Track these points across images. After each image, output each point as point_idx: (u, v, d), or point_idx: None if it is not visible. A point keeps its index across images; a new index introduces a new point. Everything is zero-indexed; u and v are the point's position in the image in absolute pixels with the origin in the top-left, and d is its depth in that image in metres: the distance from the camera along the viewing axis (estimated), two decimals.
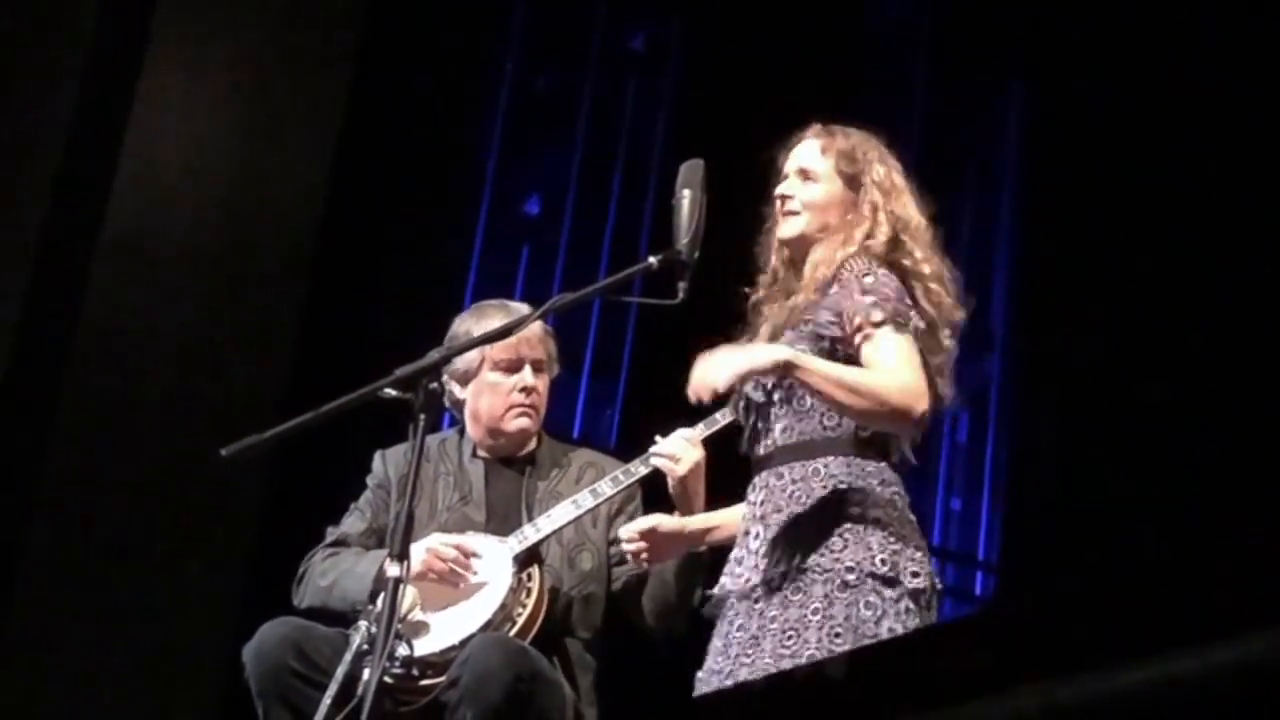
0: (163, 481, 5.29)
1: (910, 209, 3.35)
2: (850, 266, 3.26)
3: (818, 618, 3.11)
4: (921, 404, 3.14)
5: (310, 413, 3.02)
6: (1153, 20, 6.24)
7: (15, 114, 5.40)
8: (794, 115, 3.50)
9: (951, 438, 6.82)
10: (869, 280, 3.22)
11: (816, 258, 3.32)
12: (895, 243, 3.30)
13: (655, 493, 3.88)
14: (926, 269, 3.30)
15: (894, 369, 3.15)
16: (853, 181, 3.35)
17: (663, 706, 4.05)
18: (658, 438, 3.76)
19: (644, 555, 3.54)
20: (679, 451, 3.60)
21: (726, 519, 3.50)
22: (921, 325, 3.23)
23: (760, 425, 3.31)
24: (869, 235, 3.29)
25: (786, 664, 3.07)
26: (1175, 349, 6.03)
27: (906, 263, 3.30)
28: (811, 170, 3.37)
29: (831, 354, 3.21)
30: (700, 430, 3.68)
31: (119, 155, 5.42)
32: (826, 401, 3.18)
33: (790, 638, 3.11)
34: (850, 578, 3.12)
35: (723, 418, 3.62)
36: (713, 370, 3.11)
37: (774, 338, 3.31)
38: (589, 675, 3.80)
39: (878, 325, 3.18)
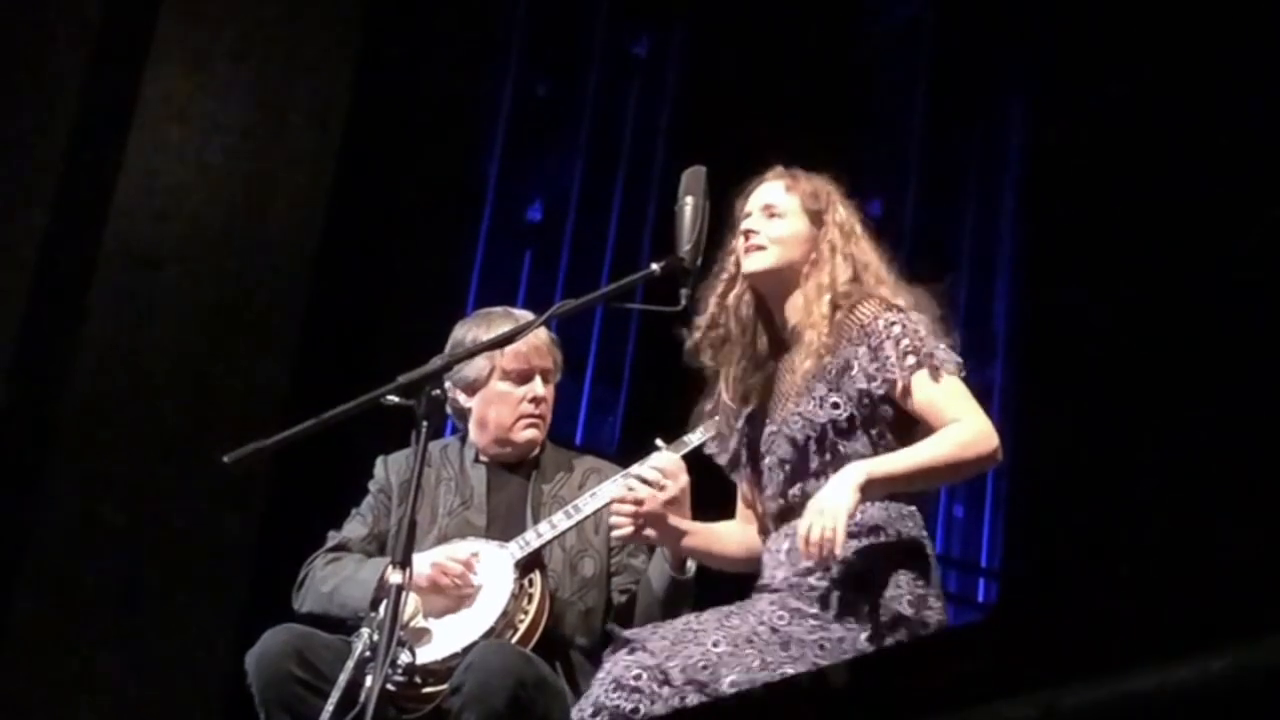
0: (166, 487, 5.29)
1: (869, 253, 3.35)
2: (871, 321, 3.23)
3: (846, 645, 3.10)
4: (996, 439, 3.18)
5: (313, 419, 3.02)
6: (1153, 25, 6.24)
7: (18, 117, 5.40)
8: (796, 121, 3.51)
9: None
10: (896, 330, 3.20)
11: (796, 307, 3.30)
12: (855, 280, 3.29)
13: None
14: (900, 301, 3.28)
15: (960, 416, 3.16)
16: (816, 219, 3.34)
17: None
18: (658, 441, 3.76)
19: (632, 522, 3.45)
20: (666, 474, 3.48)
21: (707, 529, 3.46)
22: (957, 359, 3.22)
23: (788, 474, 3.28)
24: (831, 278, 3.28)
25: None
26: (1179, 355, 6.03)
27: (878, 294, 3.28)
28: (777, 206, 3.35)
29: (873, 410, 3.20)
30: (700, 434, 3.68)
31: (122, 159, 5.42)
32: (921, 487, 3.19)
33: (823, 649, 3.10)
34: (884, 619, 3.11)
35: (698, 436, 3.62)
36: (829, 532, 3.03)
37: (780, 399, 3.30)
38: (591, 681, 3.79)
39: (915, 371, 3.17)
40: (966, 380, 3.22)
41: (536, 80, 6.84)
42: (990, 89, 7.29)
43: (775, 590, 3.19)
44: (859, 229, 3.36)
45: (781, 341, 3.36)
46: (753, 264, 3.33)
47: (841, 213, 3.35)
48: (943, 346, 3.21)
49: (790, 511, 3.26)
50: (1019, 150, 7.20)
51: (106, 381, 5.33)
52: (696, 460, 3.70)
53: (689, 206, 3.23)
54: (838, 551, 3.04)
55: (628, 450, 3.90)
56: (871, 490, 3.10)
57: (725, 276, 3.38)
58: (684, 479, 3.48)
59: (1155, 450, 6.00)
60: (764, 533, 3.37)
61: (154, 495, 5.29)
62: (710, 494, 3.60)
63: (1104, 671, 1.89)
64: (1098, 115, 6.52)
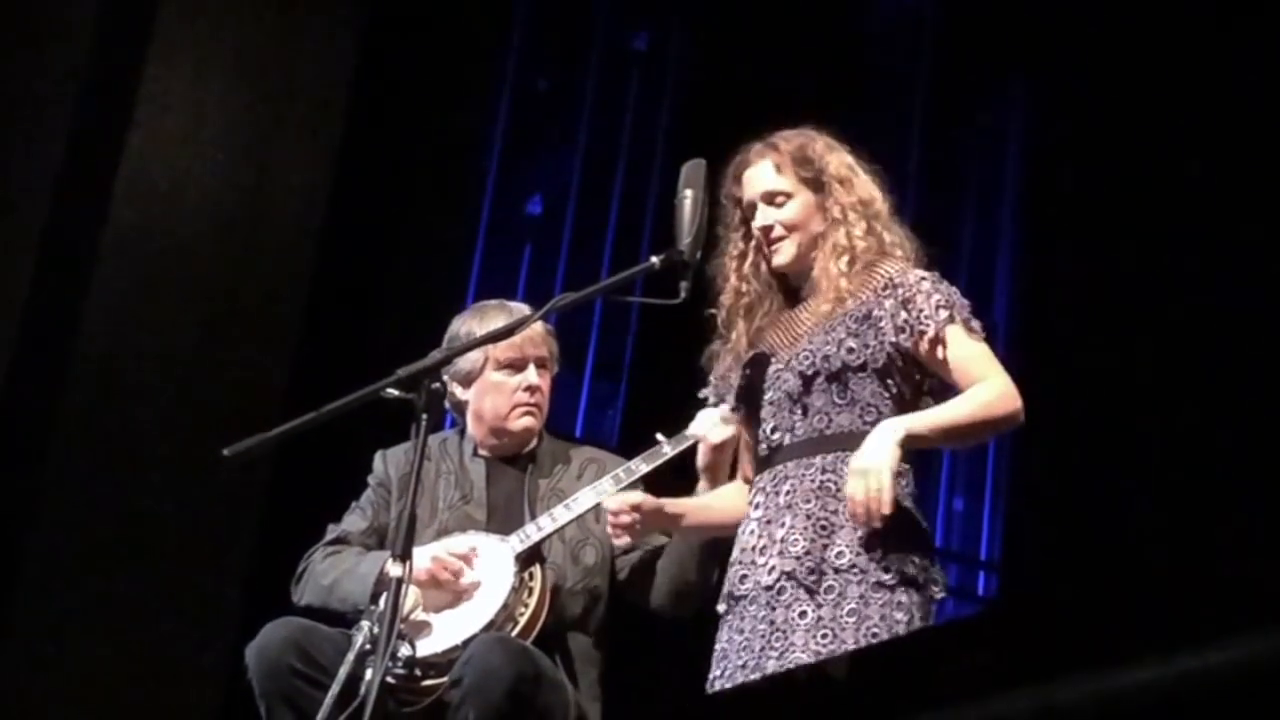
0: (165, 481, 5.29)
1: (869, 188, 3.36)
2: (900, 275, 3.27)
3: (854, 619, 3.10)
4: (1020, 401, 3.20)
5: (312, 413, 3.02)
6: (1155, 17, 6.23)
7: (16, 114, 5.40)
8: (796, 113, 3.50)
9: None
10: (927, 285, 3.24)
11: (818, 267, 3.32)
12: (870, 232, 3.31)
13: (659, 492, 3.87)
14: (899, 252, 3.32)
15: (987, 375, 3.19)
16: (815, 184, 3.34)
17: (666, 703, 4.05)
18: (659, 435, 3.77)
19: (628, 529, 3.46)
20: (711, 424, 3.57)
21: (701, 504, 3.48)
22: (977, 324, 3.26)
23: (788, 415, 3.29)
24: (849, 238, 3.29)
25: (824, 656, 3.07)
26: (1177, 350, 6.03)
27: (891, 249, 3.32)
28: (776, 191, 3.35)
29: (891, 362, 3.22)
30: (678, 443, 3.70)
31: (120, 156, 5.42)
32: (952, 444, 3.22)
33: (825, 636, 3.10)
34: (886, 578, 3.11)
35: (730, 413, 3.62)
36: (875, 492, 3.07)
37: (790, 340, 3.31)
38: (593, 670, 3.79)
39: (949, 324, 3.21)
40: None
41: (536, 74, 6.83)
42: (990, 82, 7.28)
43: (769, 589, 3.20)
44: (853, 164, 3.37)
45: (795, 291, 3.38)
46: (782, 258, 3.35)
47: (831, 162, 3.35)
48: (969, 305, 3.25)
49: (779, 452, 3.27)
50: (1019, 144, 7.19)
51: (106, 376, 5.33)
52: (692, 460, 3.70)
53: (688, 200, 3.23)
54: (885, 509, 3.05)
55: (628, 444, 3.90)
56: (908, 446, 3.13)
57: (736, 252, 3.39)
58: (730, 428, 3.51)
59: (1155, 444, 6.00)
60: (747, 481, 3.40)
61: (154, 488, 5.29)
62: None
63: (1103, 665, 1.89)
64: (1099, 109, 6.52)
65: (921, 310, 3.21)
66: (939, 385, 3.27)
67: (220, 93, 5.65)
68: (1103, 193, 6.43)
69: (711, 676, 3.27)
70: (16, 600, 5.17)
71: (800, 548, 3.16)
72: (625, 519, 3.41)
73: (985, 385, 3.18)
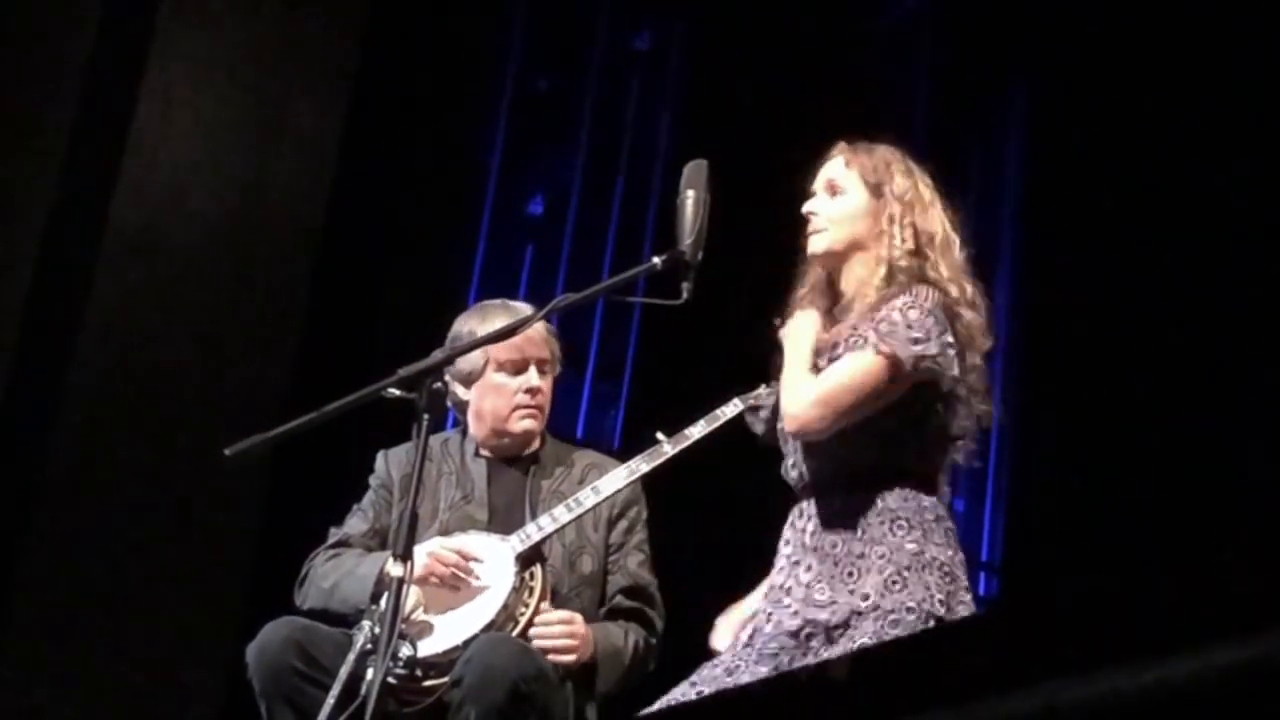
0: (166, 481, 5.30)
1: (935, 222, 3.31)
2: (897, 299, 3.21)
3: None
4: (800, 422, 3.16)
5: (314, 412, 3.02)
6: (1156, 16, 6.23)
7: (19, 111, 5.40)
8: (798, 114, 3.50)
9: None
10: (899, 315, 3.17)
11: (854, 277, 3.29)
12: (917, 254, 3.26)
13: (659, 491, 3.88)
14: (953, 291, 3.25)
15: (826, 380, 3.16)
16: (877, 191, 3.31)
17: (665, 706, 4.05)
18: (660, 435, 3.76)
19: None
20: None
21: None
22: (929, 360, 3.17)
23: (807, 452, 3.26)
24: (890, 250, 3.26)
25: None
26: (1181, 348, 6.02)
27: (933, 276, 3.25)
28: (837, 183, 3.34)
29: None
30: (701, 428, 3.70)
31: (123, 154, 5.42)
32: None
33: None
34: (910, 618, 3.07)
35: (724, 414, 3.62)
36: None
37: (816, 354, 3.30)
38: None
39: (861, 347, 3.16)
40: (931, 375, 3.17)
41: (538, 74, 6.83)
42: (992, 84, 7.28)
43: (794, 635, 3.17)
44: (926, 196, 3.33)
45: (833, 314, 3.35)
46: (814, 246, 3.34)
47: (901, 183, 3.32)
48: (926, 339, 3.15)
49: (803, 491, 3.25)
50: (1020, 145, 7.19)
51: (107, 376, 5.33)
52: (694, 459, 3.70)
53: (690, 200, 3.22)
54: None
55: (629, 445, 3.90)
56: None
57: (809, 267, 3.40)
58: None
59: (1156, 445, 5.99)
60: None
61: (154, 488, 5.29)
62: (711, 492, 3.61)
63: (1105, 666, 1.89)
64: (1100, 110, 6.52)
65: (870, 328, 3.18)
66: (948, 403, 3.23)
67: (221, 94, 5.65)
68: (1104, 194, 6.42)
69: (692, 678, 3.24)
70: (17, 600, 5.17)
71: (826, 597, 3.13)
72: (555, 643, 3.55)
73: (816, 383, 3.17)
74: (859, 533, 3.15)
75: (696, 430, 3.72)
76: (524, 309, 3.76)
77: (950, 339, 3.19)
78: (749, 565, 3.40)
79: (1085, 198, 6.51)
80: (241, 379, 5.44)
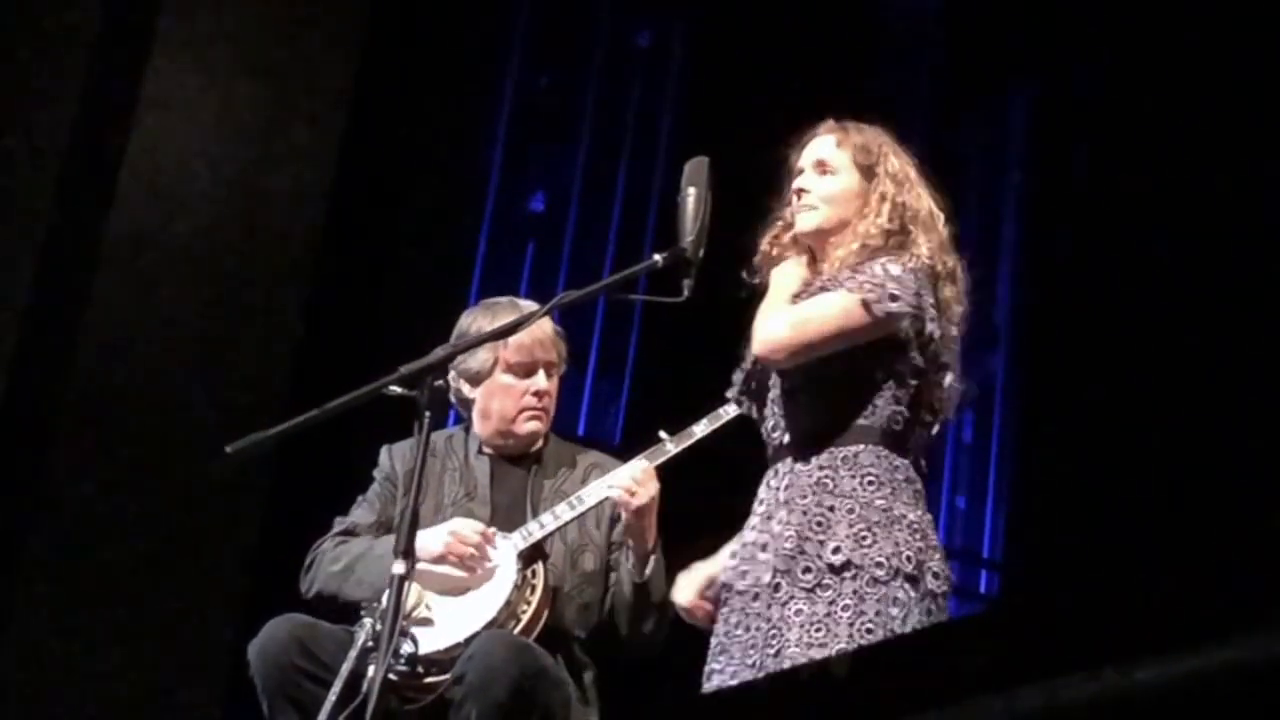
0: (167, 478, 5.30)
1: (921, 200, 3.34)
2: (882, 256, 3.24)
3: (848, 614, 3.09)
4: (781, 340, 3.19)
5: (315, 410, 3.02)
6: (1158, 19, 6.23)
7: (19, 114, 5.40)
8: (800, 112, 3.49)
9: (956, 436, 6.81)
10: (880, 269, 3.20)
11: (835, 256, 3.31)
12: (902, 232, 3.29)
13: (661, 489, 3.87)
14: (937, 266, 3.28)
15: (799, 310, 3.20)
16: (868, 173, 3.33)
17: (665, 704, 4.05)
18: (662, 433, 3.77)
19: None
20: (637, 483, 3.65)
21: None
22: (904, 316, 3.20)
23: (786, 412, 3.28)
24: (872, 225, 3.28)
25: (816, 654, 3.06)
26: (1181, 347, 6.02)
27: (914, 249, 3.28)
28: (828, 163, 3.35)
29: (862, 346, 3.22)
30: (704, 426, 3.70)
31: (124, 155, 5.42)
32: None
33: (819, 630, 3.08)
34: (880, 574, 3.10)
35: (726, 413, 3.63)
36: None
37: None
38: (589, 673, 3.80)
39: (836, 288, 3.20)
40: (904, 332, 3.19)
41: (539, 71, 6.83)
42: (995, 80, 7.27)
43: (767, 587, 3.19)
44: (913, 176, 3.36)
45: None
46: (804, 223, 3.34)
47: (894, 163, 3.34)
48: (901, 295, 3.18)
49: (779, 453, 3.27)
50: (1022, 140, 7.19)
51: (109, 373, 5.33)
52: (696, 456, 3.70)
53: (691, 197, 3.22)
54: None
55: (631, 442, 3.90)
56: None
57: (780, 224, 3.40)
58: (652, 487, 3.63)
59: (1158, 441, 5.99)
60: None
61: (156, 485, 5.29)
62: (712, 492, 3.61)
63: (1106, 663, 1.89)
64: (1101, 111, 6.52)
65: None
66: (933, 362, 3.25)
67: (223, 92, 5.65)
68: (1104, 194, 6.42)
69: (710, 669, 3.25)
70: (18, 597, 5.18)
71: (793, 545, 3.15)
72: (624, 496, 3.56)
73: (788, 310, 3.22)
74: (830, 485, 3.18)
75: (699, 429, 3.72)
76: (530, 307, 3.74)
77: (932, 301, 3.22)
78: None
79: (1086, 198, 6.52)
80: (243, 377, 5.44)
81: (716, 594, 3.32)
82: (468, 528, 3.73)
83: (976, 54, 7.09)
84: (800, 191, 3.35)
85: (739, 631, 3.21)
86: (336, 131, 5.75)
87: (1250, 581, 1.83)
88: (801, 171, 3.37)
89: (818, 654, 3.05)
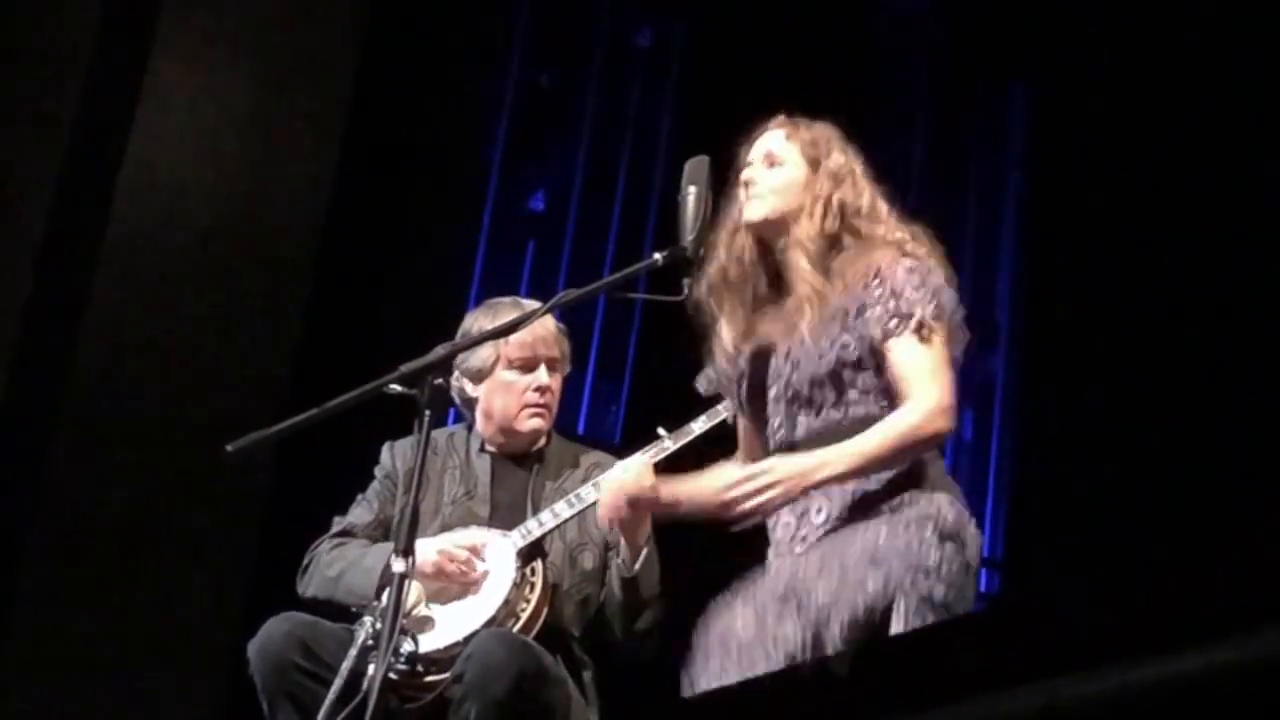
0: (168, 477, 5.30)
1: (863, 195, 3.34)
2: (888, 267, 3.23)
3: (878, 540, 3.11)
4: (946, 417, 3.14)
5: (316, 408, 3.02)
6: (1155, 20, 6.23)
7: (18, 113, 5.40)
8: (799, 112, 3.50)
9: (957, 435, 6.80)
10: (909, 280, 3.20)
11: (795, 265, 3.29)
12: (844, 227, 3.29)
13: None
14: (900, 235, 3.29)
15: (912, 393, 3.15)
16: (815, 165, 3.34)
17: (665, 703, 4.05)
18: (660, 430, 3.76)
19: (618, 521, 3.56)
20: (625, 470, 3.61)
21: (697, 487, 3.43)
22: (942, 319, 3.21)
23: (791, 411, 3.27)
24: (810, 231, 3.28)
25: (829, 580, 3.06)
26: (1181, 346, 6.02)
27: (877, 237, 3.29)
28: (777, 155, 3.36)
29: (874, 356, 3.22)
30: (702, 423, 3.70)
31: (123, 155, 5.42)
32: (870, 473, 3.18)
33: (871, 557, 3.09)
34: (913, 515, 3.11)
35: (724, 410, 3.63)
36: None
37: (785, 336, 3.29)
38: (589, 671, 3.80)
39: (897, 334, 3.18)
40: (967, 326, 3.21)
41: (539, 70, 6.82)
42: (993, 78, 7.27)
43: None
44: (857, 172, 3.36)
45: (784, 282, 3.35)
46: (750, 213, 3.33)
47: (836, 159, 3.35)
48: (946, 294, 3.20)
49: (794, 449, 3.25)
50: (1022, 139, 7.18)
51: (109, 372, 5.33)
52: (697, 450, 3.70)
53: (692, 196, 3.22)
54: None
55: (631, 441, 3.89)
56: (814, 486, 3.12)
57: (730, 224, 3.38)
58: (646, 480, 3.54)
59: (1157, 443, 5.99)
60: None
61: (156, 484, 5.29)
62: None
63: (1106, 663, 1.89)
64: (1102, 104, 6.51)
65: (895, 307, 3.19)
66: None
67: (222, 91, 5.65)
68: (1104, 195, 6.42)
69: (714, 669, 3.24)
70: (18, 596, 5.17)
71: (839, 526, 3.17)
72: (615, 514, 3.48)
73: (908, 409, 3.14)
74: (875, 541, 3.15)
75: (697, 426, 3.72)
76: (532, 307, 3.74)
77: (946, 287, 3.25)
78: (749, 560, 3.39)
79: (1086, 198, 6.51)
80: (243, 375, 5.44)
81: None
82: (454, 543, 3.73)
83: (976, 53, 7.09)
84: (748, 182, 3.35)
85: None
86: (337, 131, 5.75)
87: (1250, 581, 1.83)
88: (750, 164, 3.38)
89: (831, 580, 3.05)
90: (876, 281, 3.22)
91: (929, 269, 3.23)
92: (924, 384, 3.15)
